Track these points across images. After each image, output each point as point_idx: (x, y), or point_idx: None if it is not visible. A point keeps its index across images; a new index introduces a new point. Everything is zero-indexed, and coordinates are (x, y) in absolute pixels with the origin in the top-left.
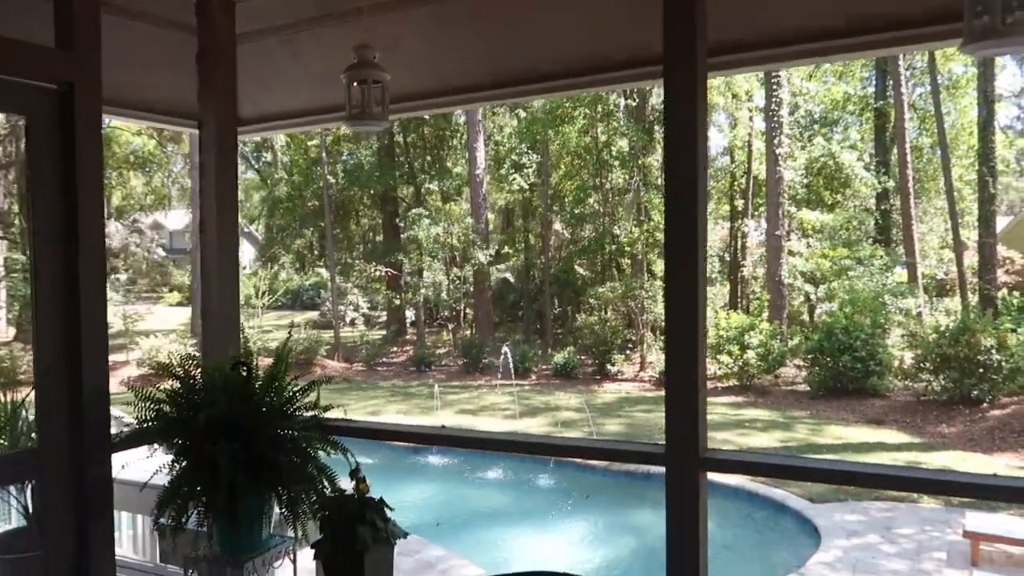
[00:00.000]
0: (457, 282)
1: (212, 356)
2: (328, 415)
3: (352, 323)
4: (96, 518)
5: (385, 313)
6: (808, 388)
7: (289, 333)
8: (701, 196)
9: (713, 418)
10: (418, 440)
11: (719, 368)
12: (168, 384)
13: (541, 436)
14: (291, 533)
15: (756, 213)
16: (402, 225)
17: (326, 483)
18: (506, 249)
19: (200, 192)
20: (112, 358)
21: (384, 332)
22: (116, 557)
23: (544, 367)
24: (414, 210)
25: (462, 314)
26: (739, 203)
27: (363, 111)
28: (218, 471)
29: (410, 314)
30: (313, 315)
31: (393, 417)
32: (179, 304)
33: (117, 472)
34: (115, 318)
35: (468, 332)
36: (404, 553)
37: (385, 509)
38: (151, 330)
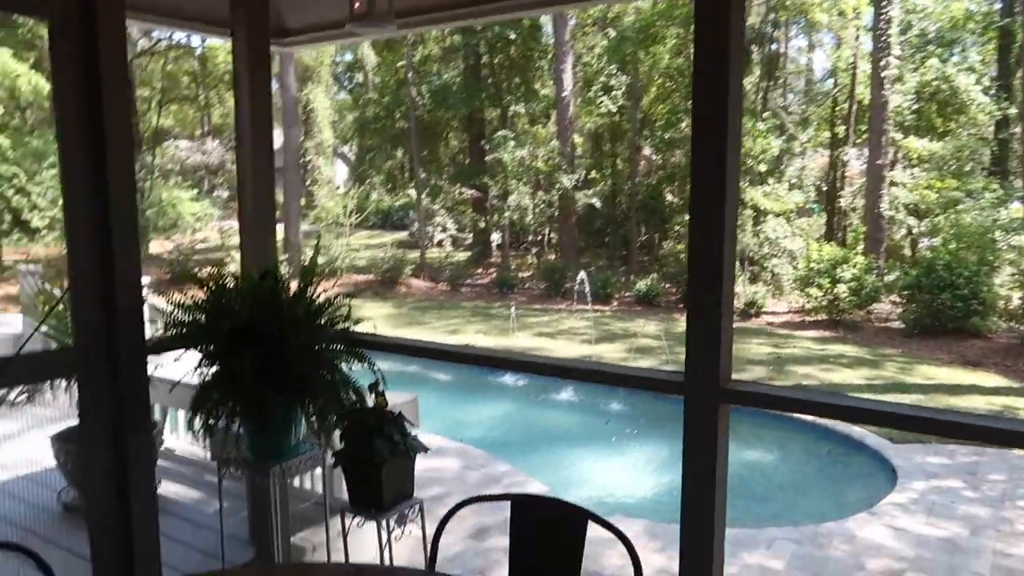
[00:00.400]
0: (543, 206)
1: (248, 269)
2: (359, 328)
3: (439, 244)
4: (134, 428)
5: (471, 235)
6: (902, 326)
7: (316, 249)
8: (733, 115)
9: (795, 352)
10: (441, 357)
11: (808, 302)
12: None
13: (561, 359)
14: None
15: (858, 141)
16: (488, 148)
17: (352, 395)
18: (593, 174)
19: (235, 104)
20: (209, 271)
21: (469, 254)
22: (175, 452)
23: (626, 294)
24: (500, 133)
25: (546, 238)
26: (840, 130)
27: (370, 11)
28: (242, 380)
29: (495, 237)
30: (402, 235)
31: (471, 338)
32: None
33: (170, 368)
34: (212, 233)
35: (552, 256)
36: (471, 467)
37: (404, 424)
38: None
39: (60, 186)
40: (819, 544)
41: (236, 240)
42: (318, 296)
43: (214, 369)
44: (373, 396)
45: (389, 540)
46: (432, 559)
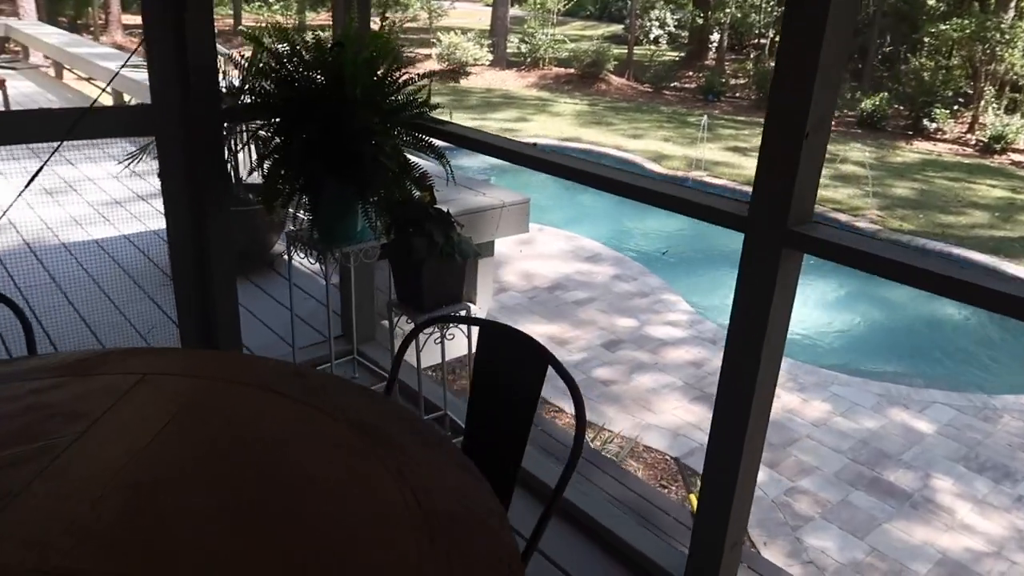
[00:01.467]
0: (772, 2)
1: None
2: (436, 115)
3: (655, 41)
4: (211, 196)
5: (687, 34)
6: None
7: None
8: None
9: None
10: (501, 155)
11: None
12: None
13: (627, 175)
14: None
15: None
16: None
17: (412, 186)
18: None
19: None
20: (415, 50)
21: (680, 54)
22: None
23: (849, 113)
24: None
25: (771, 42)
26: None
27: None
28: (294, 156)
29: (714, 37)
30: (616, 28)
31: (656, 145)
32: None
33: None
34: (421, 11)
35: (771, 63)
36: (622, 278)
37: (452, 223)
38: (454, 26)
39: None
40: (985, 416)
41: (444, 22)
42: (396, 76)
43: (274, 142)
44: (418, 190)
45: (416, 341)
46: (391, 379)
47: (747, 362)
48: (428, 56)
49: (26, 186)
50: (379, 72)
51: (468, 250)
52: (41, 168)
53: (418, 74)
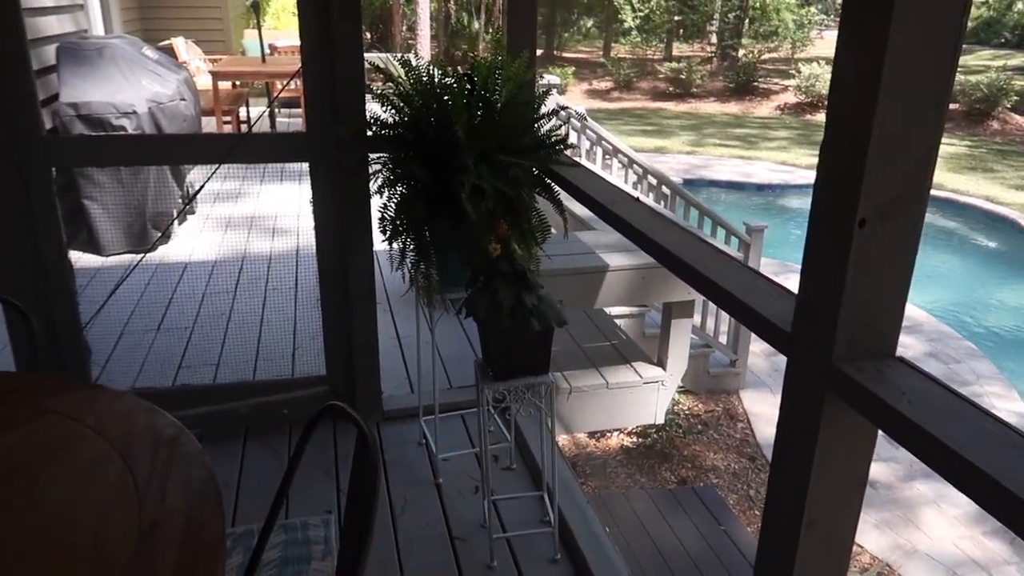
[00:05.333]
0: None
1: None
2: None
3: None
4: (355, 221)
5: None
6: None
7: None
8: None
9: None
10: (604, 218)
11: None
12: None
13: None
14: None
15: None
16: None
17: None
18: None
19: None
20: (774, 81)
21: None
22: None
23: None
24: None
25: None
26: None
27: None
28: (409, 198)
29: None
30: None
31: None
32: None
33: None
34: (785, 41)
35: None
36: (936, 358)
37: (528, 281)
38: (819, 56)
39: None
40: None
41: (812, 52)
42: (525, 114)
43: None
44: (494, 240)
45: (484, 413)
46: (290, 470)
47: (778, 532)
48: (786, 88)
49: (190, 200)
50: (497, 107)
51: (549, 316)
52: (202, 186)
53: (556, 108)
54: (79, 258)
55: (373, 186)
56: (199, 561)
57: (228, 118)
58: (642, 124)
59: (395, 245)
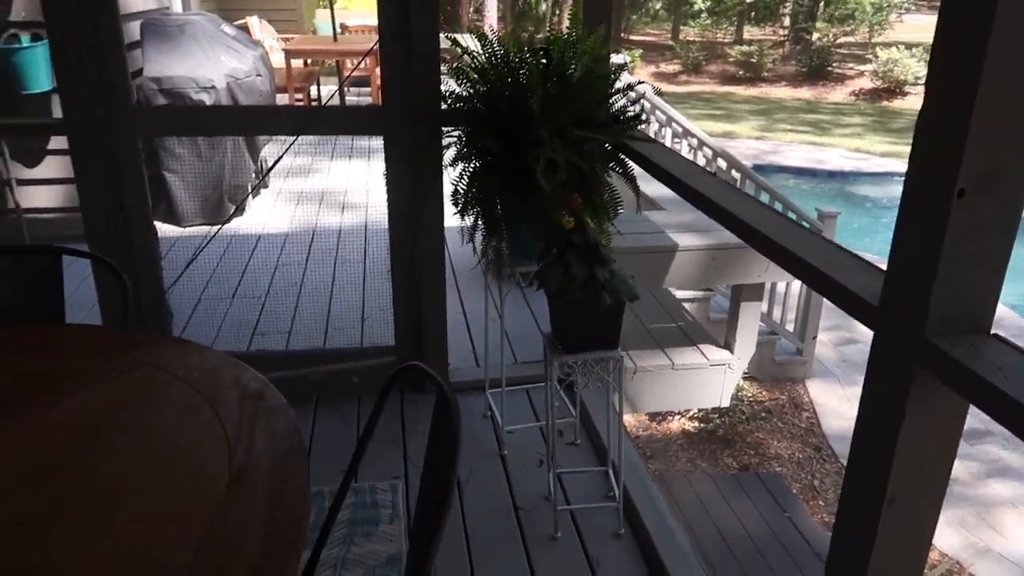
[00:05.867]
0: None
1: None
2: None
3: None
4: (424, 198)
5: None
6: None
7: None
8: None
9: None
10: (675, 187)
11: None
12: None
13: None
14: None
15: None
16: None
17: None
18: None
19: None
20: (849, 66)
21: None
22: None
23: None
24: None
25: None
26: None
27: None
28: (482, 172)
29: None
30: None
31: None
32: None
33: None
34: (862, 25)
35: None
36: None
37: (601, 255)
38: (898, 40)
39: None
40: None
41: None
42: (598, 88)
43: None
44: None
45: (547, 385)
46: (368, 429)
47: (857, 508)
48: (861, 73)
49: (267, 172)
50: (572, 81)
51: (621, 290)
52: (280, 158)
53: (633, 82)
54: (158, 228)
55: (446, 160)
56: (285, 510)
57: (300, 95)
58: (710, 108)
59: (466, 219)
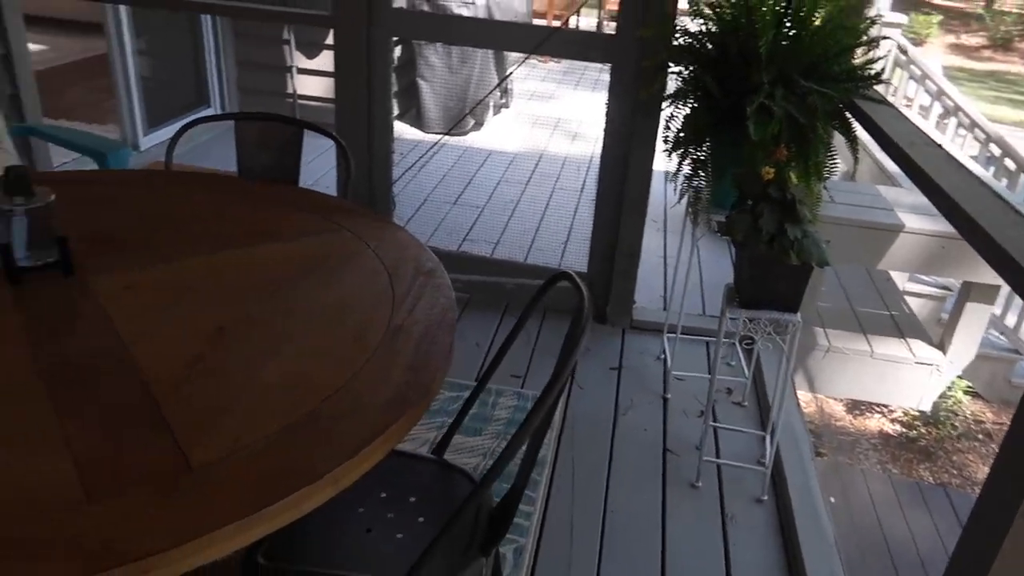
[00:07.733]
0: None
1: None
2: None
3: None
4: (644, 120)
5: None
6: None
7: None
8: None
9: None
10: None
11: None
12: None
13: None
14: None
15: None
16: None
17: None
18: None
19: None
20: None
21: None
22: None
23: None
24: None
25: None
26: None
27: None
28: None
29: None
30: None
31: None
32: None
33: None
34: None
35: None
36: None
37: (796, 213)
38: None
39: None
40: None
41: None
42: (832, 41)
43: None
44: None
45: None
46: (515, 329)
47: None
48: None
49: (497, 85)
50: (809, 28)
51: (811, 253)
52: (510, 73)
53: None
54: (404, 130)
55: (666, 95)
56: (428, 362)
57: (558, 23)
58: (1011, 92)
59: (673, 157)
